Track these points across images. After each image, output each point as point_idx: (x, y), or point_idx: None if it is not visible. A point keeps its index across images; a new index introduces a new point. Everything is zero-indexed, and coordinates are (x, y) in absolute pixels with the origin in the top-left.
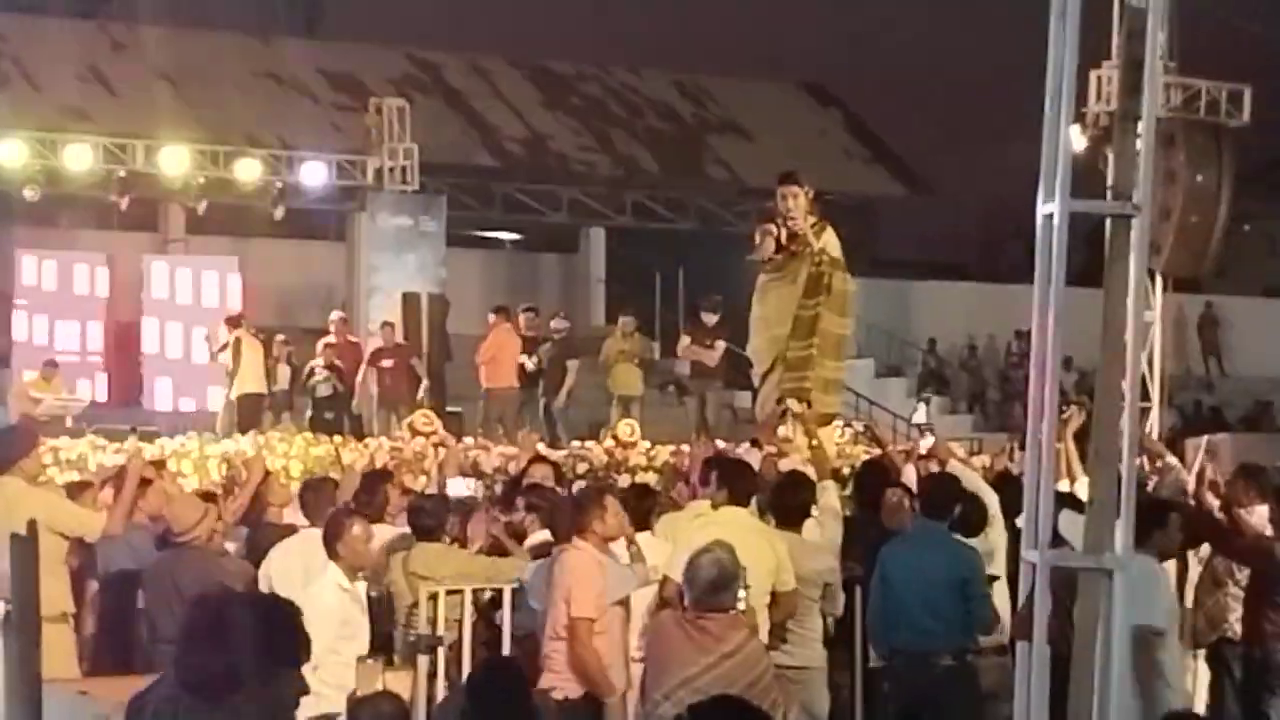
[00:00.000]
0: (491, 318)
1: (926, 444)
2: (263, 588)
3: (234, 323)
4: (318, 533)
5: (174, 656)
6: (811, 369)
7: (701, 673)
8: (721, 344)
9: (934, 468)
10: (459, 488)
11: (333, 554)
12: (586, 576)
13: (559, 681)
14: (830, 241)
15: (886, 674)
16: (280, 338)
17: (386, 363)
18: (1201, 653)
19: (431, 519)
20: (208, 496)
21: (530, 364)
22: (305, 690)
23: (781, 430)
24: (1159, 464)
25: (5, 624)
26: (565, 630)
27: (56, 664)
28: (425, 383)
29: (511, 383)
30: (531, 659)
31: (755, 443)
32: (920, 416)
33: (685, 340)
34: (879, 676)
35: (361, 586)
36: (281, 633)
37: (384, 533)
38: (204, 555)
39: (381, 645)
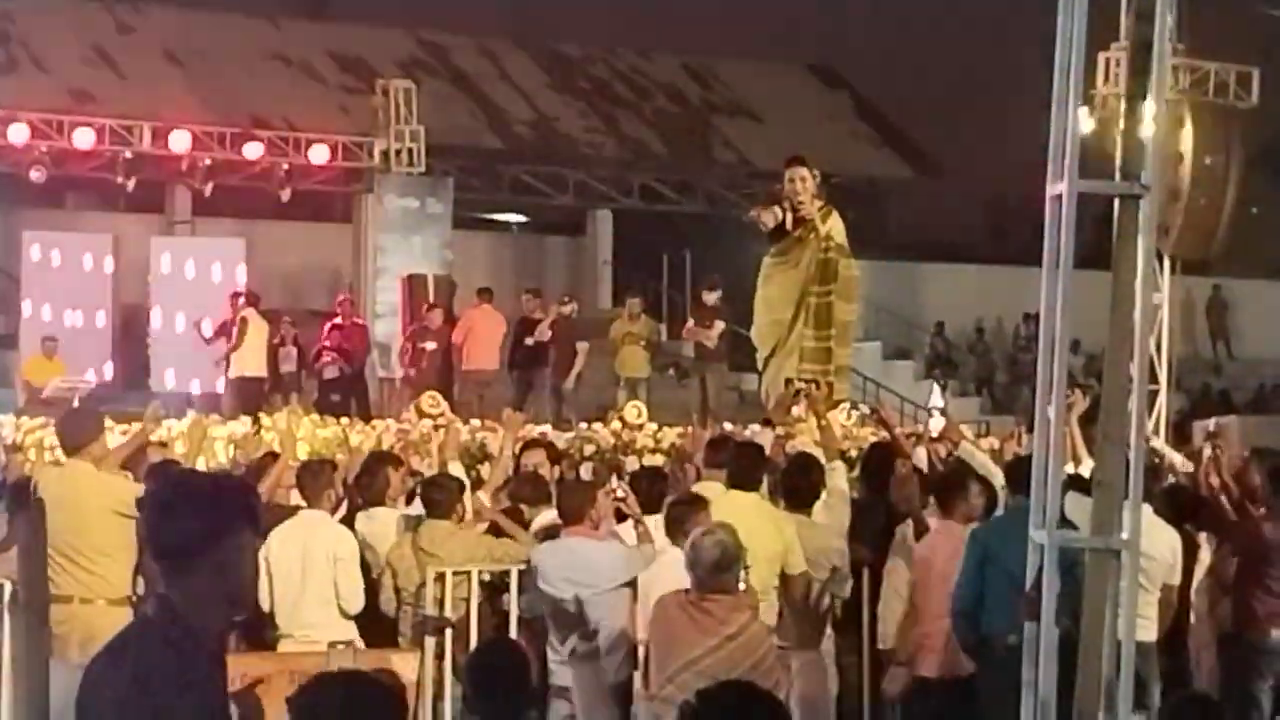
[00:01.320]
0: (477, 299)
1: (937, 426)
2: (262, 568)
3: (248, 299)
4: (317, 514)
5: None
6: (832, 360)
7: (705, 655)
8: (720, 324)
9: (943, 450)
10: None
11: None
12: None
13: None
14: (836, 227)
15: (996, 662)
16: (286, 319)
17: (430, 345)
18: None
19: (444, 495)
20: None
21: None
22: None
23: (795, 410)
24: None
25: (12, 603)
26: None
27: None
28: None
29: (487, 365)
30: (537, 641)
31: (767, 422)
32: (936, 399)
33: (690, 322)
34: (886, 659)
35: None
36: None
37: (385, 516)
38: None
39: (383, 627)
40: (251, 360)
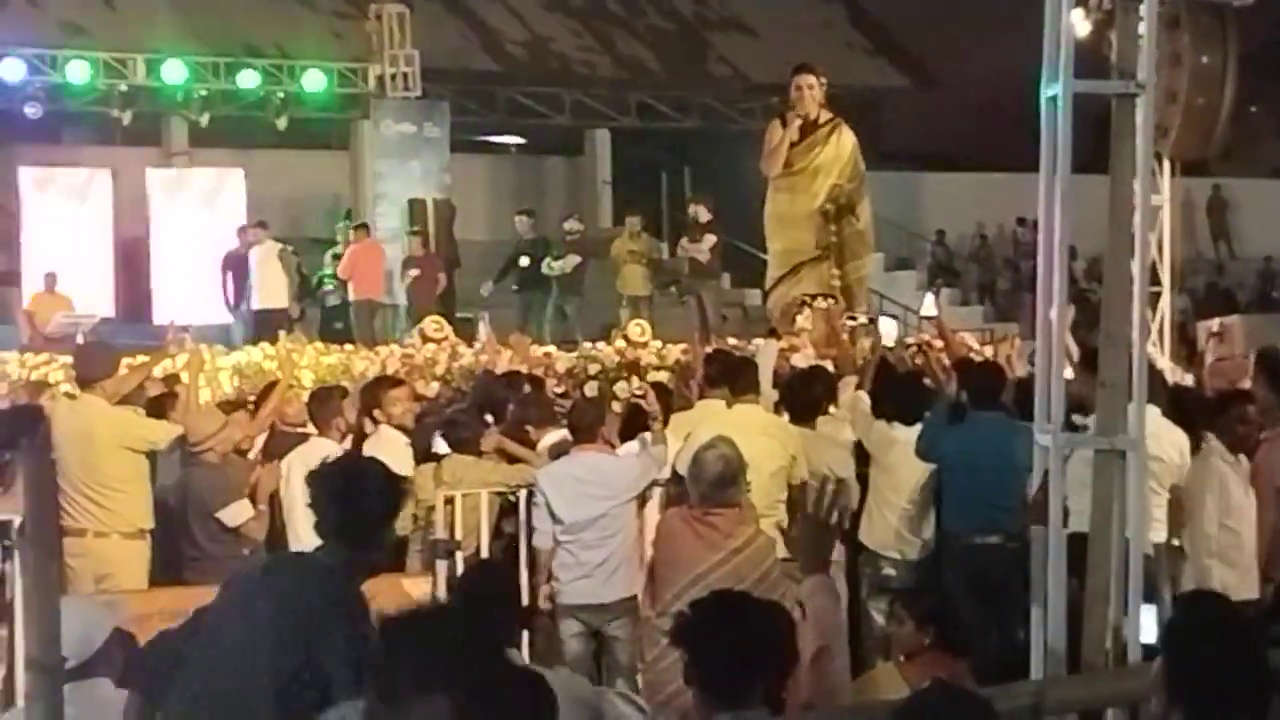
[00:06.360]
0: (351, 235)
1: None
2: (284, 496)
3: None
4: (323, 442)
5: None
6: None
7: (711, 569)
8: (711, 238)
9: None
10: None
11: None
12: None
13: None
14: (845, 150)
15: (954, 558)
16: (288, 248)
17: (414, 272)
18: None
19: (466, 431)
20: (238, 405)
21: (555, 268)
22: None
23: (799, 321)
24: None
25: (20, 534)
26: None
27: (129, 578)
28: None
29: (373, 294)
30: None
31: (773, 333)
32: (929, 308)
33: (684, 240)
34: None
35: None
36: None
37: (391, 436)
38: (212, 469)
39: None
40: (273, 291)
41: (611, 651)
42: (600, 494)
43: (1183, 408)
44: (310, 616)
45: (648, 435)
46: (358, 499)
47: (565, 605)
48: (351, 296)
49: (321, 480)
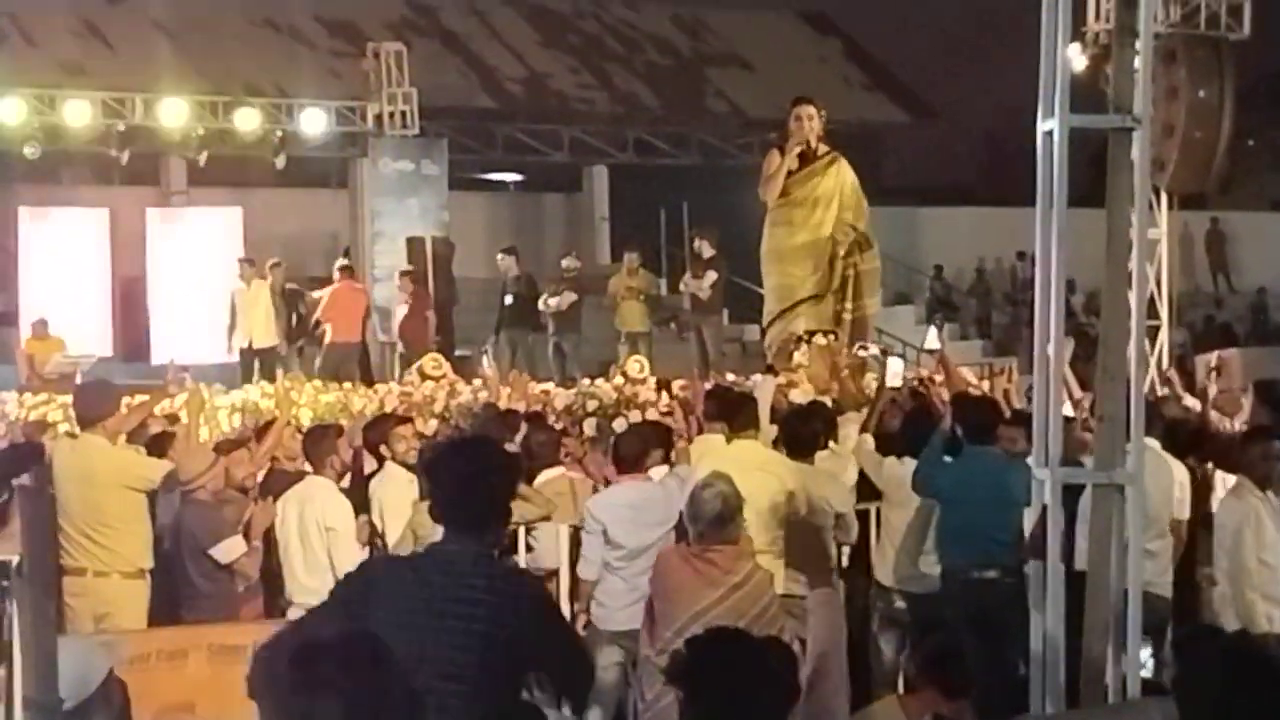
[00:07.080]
0: (336, 275)
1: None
2: (279, 534)
3: (252, 264)
4: (320, 480)
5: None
6: (850, 312)
7: (711, 605)
8: (713, 274)
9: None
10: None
11: None
12: None
13: None
14: (846, 183)
15: (955, 593)
16: (291, 285)
17: (401, 310)
18: None
19: None
20: (239, 443)
21: (551, 305)
22: None
23: (796, 357)
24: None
25: (17, 574)
26: None
27: (129, 617)
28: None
29: (351, 338)
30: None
31: (771, 369)
32: (932, 341)
33: (687, 275)
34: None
35: None
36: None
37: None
38: (204, 508)
39: None
40: (261, 330)
41: None
42: (652, 520)
43: (1179, 440)
44: (525, 624)
45: (664, 468)
46: (487, 480)
47: (610, 632)
48: (328, 339)
49: (447, 465)
